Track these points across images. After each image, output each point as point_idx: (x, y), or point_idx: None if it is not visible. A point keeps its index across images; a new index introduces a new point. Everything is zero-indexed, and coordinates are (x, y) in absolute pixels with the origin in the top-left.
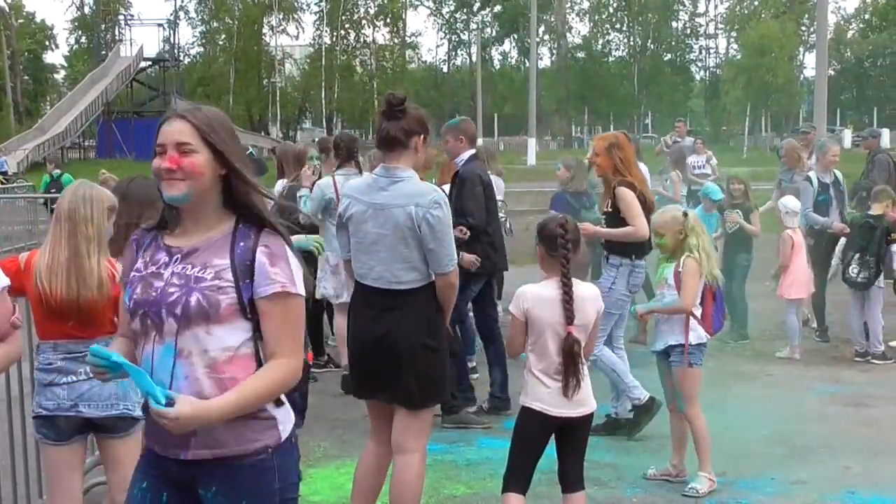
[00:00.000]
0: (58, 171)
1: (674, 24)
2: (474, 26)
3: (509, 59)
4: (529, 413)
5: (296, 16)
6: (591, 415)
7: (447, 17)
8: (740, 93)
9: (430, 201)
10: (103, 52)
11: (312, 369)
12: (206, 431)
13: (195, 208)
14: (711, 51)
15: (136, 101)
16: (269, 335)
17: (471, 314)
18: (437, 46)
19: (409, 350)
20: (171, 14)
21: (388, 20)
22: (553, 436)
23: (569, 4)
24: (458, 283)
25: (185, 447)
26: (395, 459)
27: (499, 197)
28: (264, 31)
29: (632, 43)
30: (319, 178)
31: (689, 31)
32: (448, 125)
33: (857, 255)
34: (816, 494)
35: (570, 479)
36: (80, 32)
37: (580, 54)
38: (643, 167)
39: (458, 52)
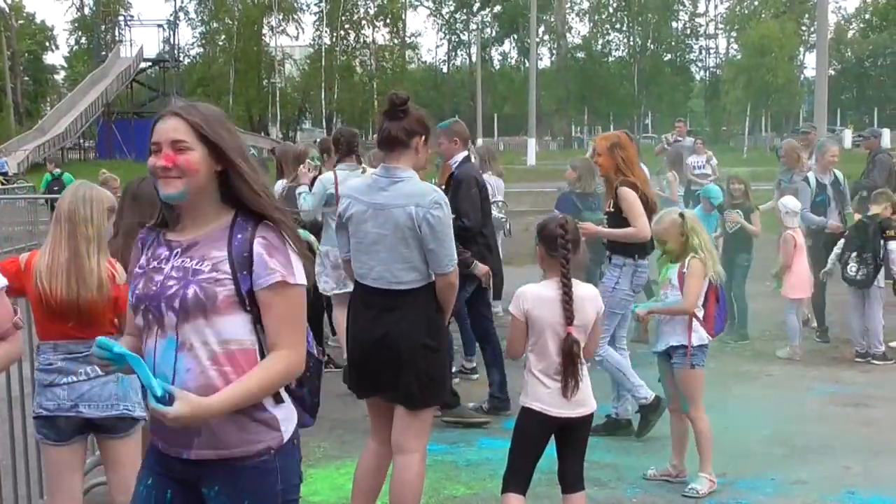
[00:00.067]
0: (58, 171)
1: (674, 24)
2: (474, 27)
3: (509, 60)
4: (529, 413)
5: (296, 16)
6: (591, 415)
7: (447, 17)
8: (740, 93)
9: (431, 201)
10: (103, 53)
11: None
12: (210, 432)
13: (193, 205)
14: (711, 51)
15: (136, 102)
16: (270, 327)
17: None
18: (437, 47)
19: (409, 350)
20: (171, 15)
21: (388, 20)
22: (553, 436)
23: (569, 4)
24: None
25: (189, 446)
26: (396, 459)
27: (499, 197)
28: (264, 31)
29: (632, 43)
30: (320, 173)
31: (689, 31)
32: (441, 127)
33: (855, 254)
34: (816, 494)
35: (570, 479)
36: (80, 33)
37: (580, 54)
38: (643, 168)
39: (458, 52)
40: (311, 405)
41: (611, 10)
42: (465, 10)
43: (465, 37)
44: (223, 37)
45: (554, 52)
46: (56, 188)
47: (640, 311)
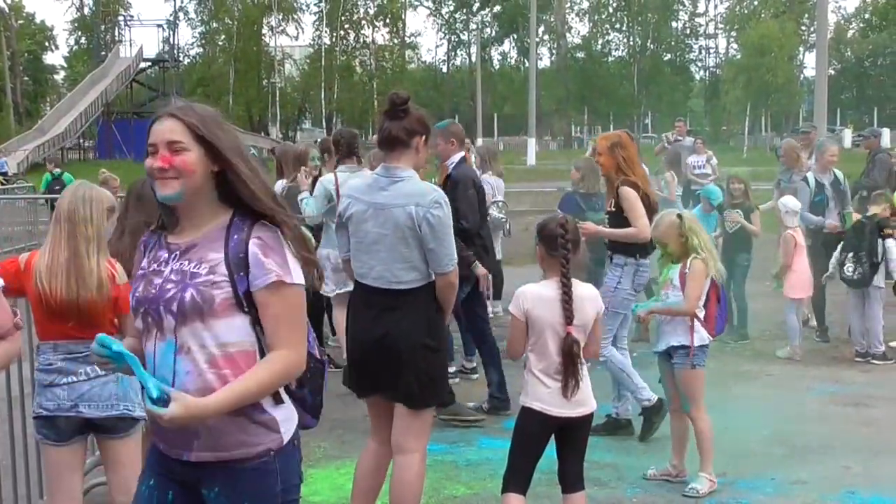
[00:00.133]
0: (58, 170)
1: (673, 24)
2: (474, 26)
3: (509, 60)
4: (529, 413)
5: (295, 16)
6: (591, 415)
7: (447, 17)
8: (740, 93)
9: (431, 201)
10: (103, 53)
11: None
12: (209, 434)
13: (190, 206)
14: (711, 51)
15: (135, 102)
16: (268, 327)
17: None
18: (437, 47)
19: (409, 350)
20: (171, 15)
21: (388, 20)
22: (553, 436)
23: (568, 4)
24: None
25: (189, 448)
26: (395, 459)
27: (499, 197)
28: (264, 31)
29: (631, 43)
30: (320, 174)
31: (688, 31)
32: (437, 128)
33: (852, 254)
34: (816, 494)
35: (570, 479)
36: (79, 33)
37: (580, 54)
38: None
39: (458, 52)
40: (312, 406)
41: (611, 9)
42: (464, 10)
43: (464, 37)
44: (223, 37)
45: (554, 51)
46: (56, 188)
47: (640, 312)
